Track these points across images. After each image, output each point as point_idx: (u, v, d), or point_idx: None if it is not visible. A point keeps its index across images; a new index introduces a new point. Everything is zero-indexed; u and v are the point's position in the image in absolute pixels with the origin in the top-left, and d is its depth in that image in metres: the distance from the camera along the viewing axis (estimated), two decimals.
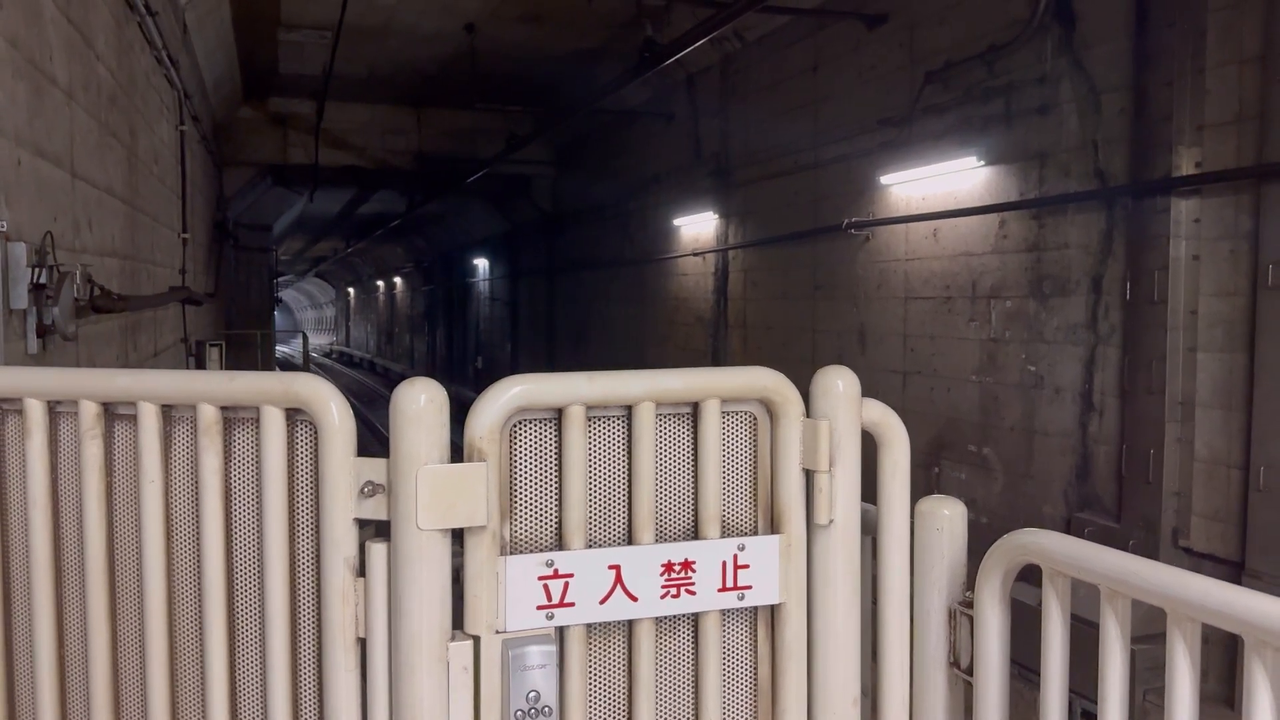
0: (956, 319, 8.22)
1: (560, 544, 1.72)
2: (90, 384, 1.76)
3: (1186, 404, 6.25)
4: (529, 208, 19.44)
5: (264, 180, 16.91)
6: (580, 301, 17.90)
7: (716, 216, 12.34)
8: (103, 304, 4.59)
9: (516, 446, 1.71)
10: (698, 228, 12.96)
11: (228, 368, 10.69)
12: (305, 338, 20.92)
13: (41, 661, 1.75)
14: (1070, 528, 7.08)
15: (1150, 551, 6.38)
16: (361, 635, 1.67)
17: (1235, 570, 5.95)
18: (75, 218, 4.75)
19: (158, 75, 8.02)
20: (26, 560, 1.76)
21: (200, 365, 10.16)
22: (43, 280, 3.65)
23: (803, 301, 10.50)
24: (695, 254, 12.95)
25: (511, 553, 1.69)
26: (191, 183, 10.33)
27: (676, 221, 13.44)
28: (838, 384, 1.80)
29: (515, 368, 21.72)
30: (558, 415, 1.71)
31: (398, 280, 37.45)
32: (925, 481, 8.49)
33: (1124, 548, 6.45)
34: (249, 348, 15.89)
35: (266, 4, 11.86)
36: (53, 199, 4.30)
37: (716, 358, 12.48)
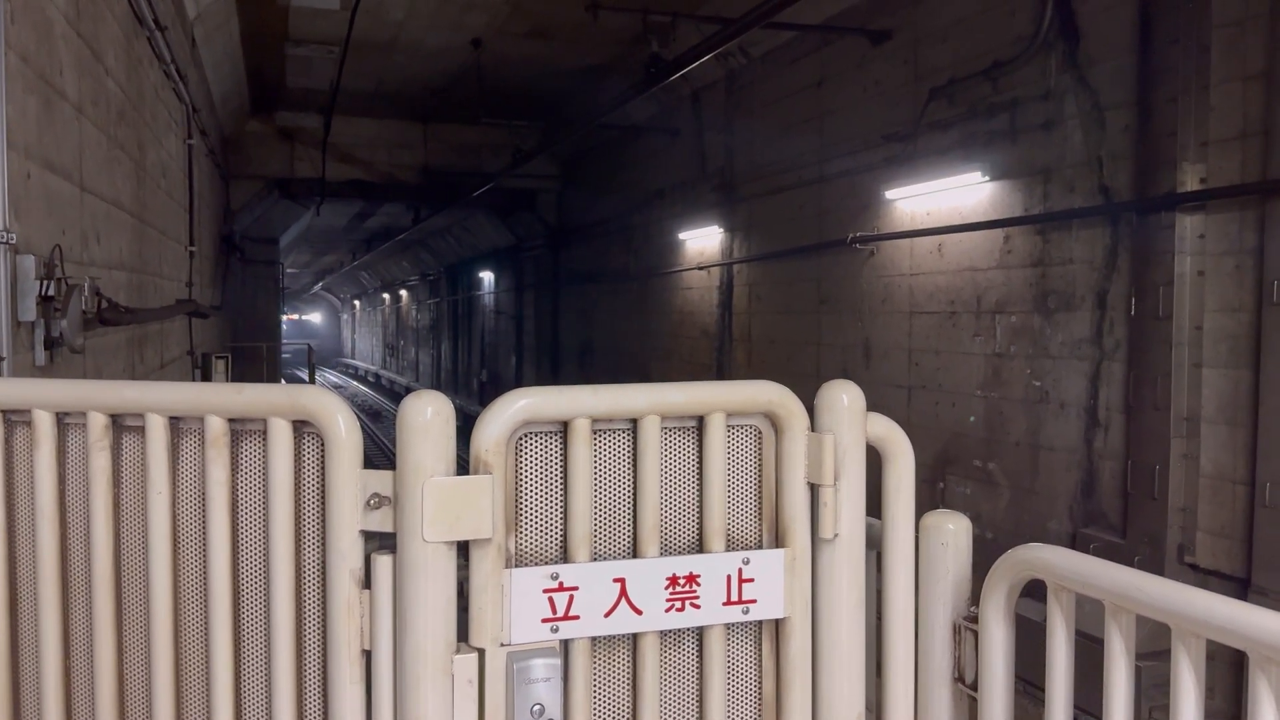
0: (961, 334, 8.23)
1: (565, 557, 1.72)
2: (98, 395, 1.77)
3: (1192, 420, 6.24)
4: (534, 222, 19.49)
5: (271, 194, 16.98)
6: (585, 315, 17.93)
7: (721, 231, 12.37)
8: (110, 316, 4.61)
9: (522, 459, 1.71)
10: (702, 242, 12.99)
11: (234, 380, 10.72)
12: (310, 349, 20.91)
13: (47, 673, 1.76)
14: (1075, 543, 7.06)
15: (1155, 568, 6.36)
16: (366, 648, 1.68)
17: (1241, 587, 5.93)
18: (83, 231, 4.78)
19: (166, 89, 8.06)
20: (34, 571, 1.77)
21: (206, 378, 10.18)
22: (51, 293, 3.67)
23: (807, 316, 10.51)
24: (700, 268, 12.97)
25: (517, 565, 1.70)
26: (199, 196, 10.38)
27: (681, 236, 13.47)
28: (842, 398, 1.80)
29: (520, 381, 21.75)
30: (563, 428, 1.72)
31: (403, 293, 37.52)
32: (930, 496, 8.47)
33: (1129, 564, 6.43)
34: (255, 361, 15.92)
35: (274, 19, 11.93)
36: (61, 212, 4.33)
37: (721, 371, 12.49)
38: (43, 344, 3.75)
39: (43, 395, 1.77)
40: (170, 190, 8.48)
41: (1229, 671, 5.71)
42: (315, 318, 62.42)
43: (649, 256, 14.79)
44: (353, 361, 52.45)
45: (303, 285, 49.60)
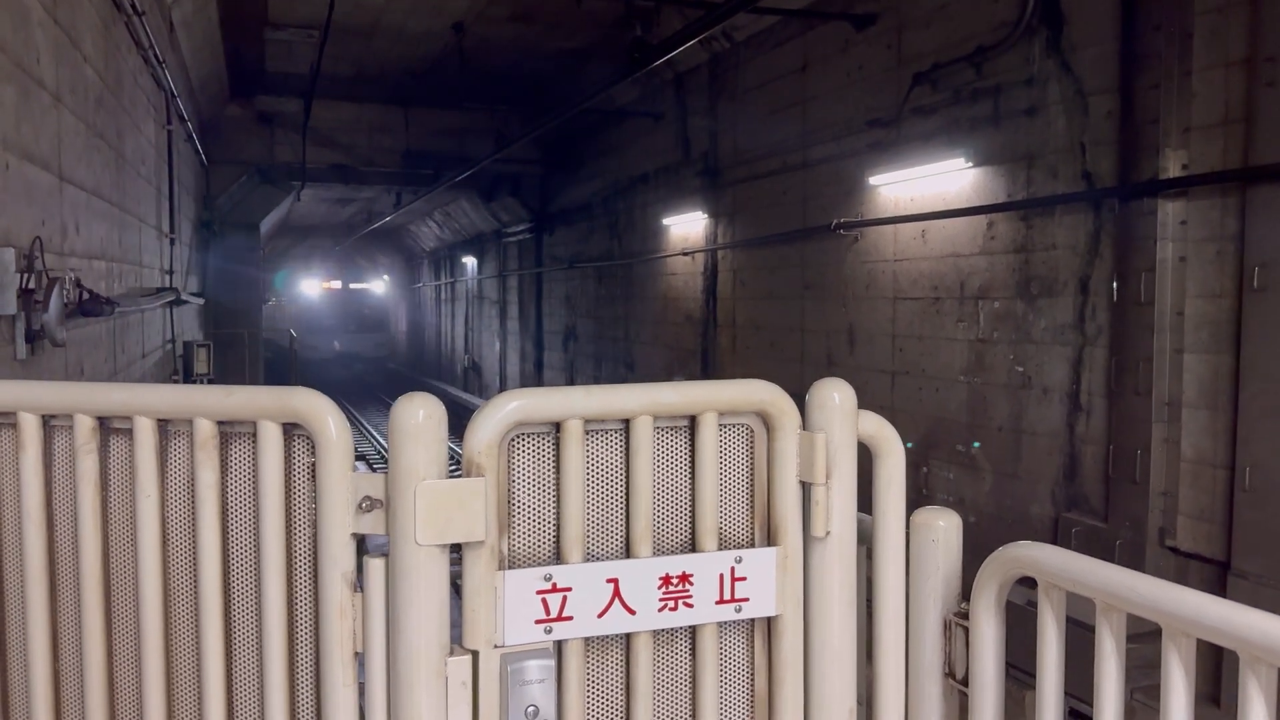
0: (945, 319, 8.25)
1: (558, 558, 1.72)
2: (85, 398, 1.75)
3: (1173, 405, 6.29)
4: (517, 207, 19.42)
5: (251, 179, 16.84)
6: (568, 301, 17.89)
7: (705, 216, 12.35)
8: (91, 308, 4.56)
9: (515, 461, 1.71)
10: (686, 227, 12.97)
11: (215, 368, 10.66)
12: (293, 337, 20.76)
13: (36, 678, 1.74)
14: (1058, 527, 7.12)
15: (1137, 551, 6.42)
16: (359, 650, 1.67)
17: (1221, 570, 5.99)
18: (63, 221, 4.73)
19: (145, 75, 7.97)
20: (21, 575, 1.75)
21: (188, 366, 10.12)
22: (31, 286, 3.63)
23: (791, 301, 10.52)
24: (684, 253, 12.96)
25: (510, 567, 1.69)
26: (178, 182, 10.28)
27: (665, 221, 13.44)
28: (834, 396, 1.81)
29: (503, 366, 21.70)
30: (556, 429, 1.71)
31: (386, 278, 37.32)
32: (914, 480, 8.52)
33: (1111, 547, 6.51)
34: (237, 347, 15.82)
35: (254, 2, 11.80)
36: (41, 203, 4.27)
37: (706, 357, 12.50)
38: (24, 337, 3.71)
39: (28, 397, 1.75)
40: (150, 177, 8.39)
41: (1207, 650, 5.78)
42: (376, 286, 35.40)
43: (633, 241, 14.76)
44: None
45: (336, 224, 27.53)
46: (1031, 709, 1.75)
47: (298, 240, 32.52)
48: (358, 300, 34.86)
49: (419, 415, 1.62)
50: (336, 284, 34.62)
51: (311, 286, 34.02)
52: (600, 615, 1.72)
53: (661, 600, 1.75)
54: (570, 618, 1.70)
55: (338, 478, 1.64)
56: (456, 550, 1.67)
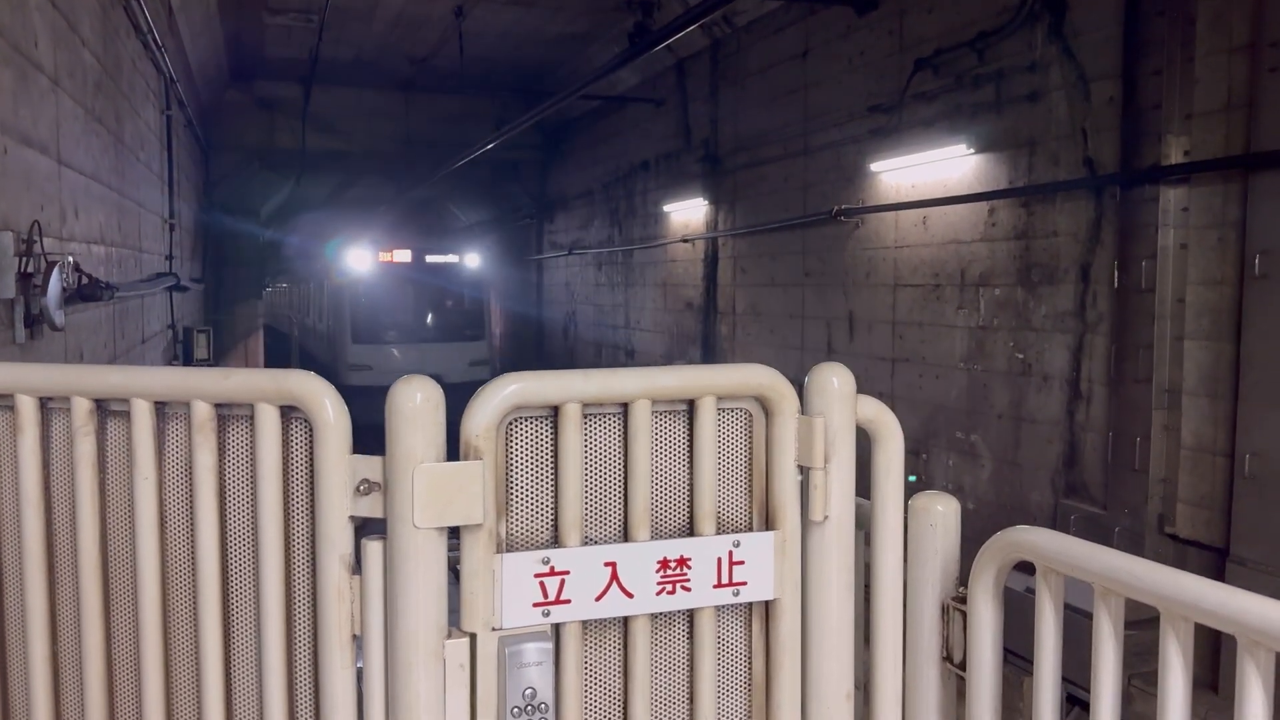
0: (945, 307, 8.24)
1: (556, 541, 1.72)
2: (82, 380, 1.74)
3: (1173, 392, 6.28)
4: (518, 193, 19.36)
5: (251, 165, 16.80)
6: (568, 288, 17.87)
7: (706, 203, 12.32)
8: (90, 292, 4.56)
9: (513, 444, 1.71)
10: (687, 214, 12.94)
11: (215, 353, 10.66)
12: (293, 324, 20.72)
13: (35, 660, 1.75)
14: (1057, 514, 7.13)
15: (1136, 538, 6.43)
16: (357, 633, 1.67)
17: (1220, 557, 5.99)
18: (62, 206, 4.72)
19: (144, 59, 7.94)
20: (19, 558, 1.75)
21: (188, 351, 10.12)
22: (30, 270, 3.63)
23: (792, 288, 10.51)
24: (685, 240, 12.94)
25: (508, 550, 1.69)
26: (178, 168, 10.26)
27: (666, 207, 13.42)
28: (833, 381, 1.80)
29: (502, 354, 21.66)
30: (554, 413, 1.71)
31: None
32: (913, 467, 8.52)
33: (1110, 534, 6.51)
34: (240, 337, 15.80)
35: None
36: (39, 187, 4.26)
37: (706, 344, 12.49)
38: (23, 321, 3.71)
39: (25, 380, 1.75)
40: (149, 162, 8.37)
41: (1205, 637, 5.78)
42: (470, 260, 20.16)
43: (633, 228, 14.74)
44: None
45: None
46: (1029, 694, 1.75)
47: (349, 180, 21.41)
48: (437, 283, 20.08)
49: (416, 398, 1.62)
50: (404, 254, 20.01)
51: (362, 259, 19.80)
52: (598, 598, 1.72)
53: (659, 584, 1.75)
54: (568, 601, 1.70)
55: (335, 461, 1.64)
56: (455, 534, 1.67)
